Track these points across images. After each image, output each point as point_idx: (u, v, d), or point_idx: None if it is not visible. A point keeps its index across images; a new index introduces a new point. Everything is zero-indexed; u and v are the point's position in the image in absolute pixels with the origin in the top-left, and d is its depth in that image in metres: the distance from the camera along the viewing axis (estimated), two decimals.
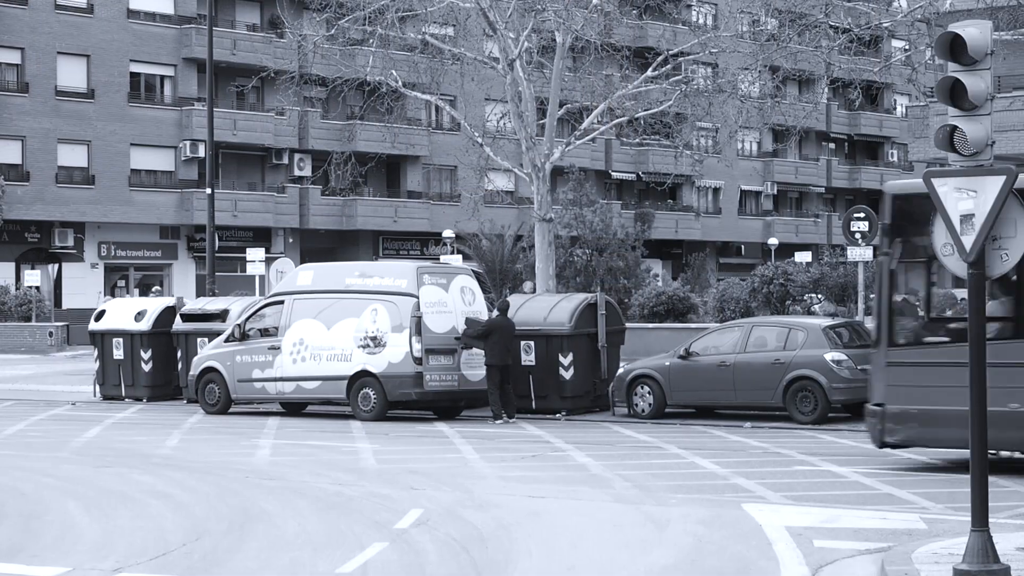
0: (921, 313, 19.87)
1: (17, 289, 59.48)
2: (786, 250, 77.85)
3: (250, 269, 46.05)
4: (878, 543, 13.89)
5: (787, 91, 50.94)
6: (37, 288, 59.28)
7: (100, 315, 34.50)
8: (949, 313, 20.74)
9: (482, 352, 28.32)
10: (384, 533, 14.73)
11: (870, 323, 23.02)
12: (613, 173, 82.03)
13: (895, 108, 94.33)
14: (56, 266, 63.32)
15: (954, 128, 12.10)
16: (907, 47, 41.48)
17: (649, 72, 37.21)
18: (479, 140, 37.34)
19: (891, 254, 19.33)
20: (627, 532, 14.84)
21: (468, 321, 28.52)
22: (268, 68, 46.13)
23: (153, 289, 60.63)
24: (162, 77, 66.90)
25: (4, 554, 13.73)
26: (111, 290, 63.79)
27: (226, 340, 30.26)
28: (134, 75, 65.52)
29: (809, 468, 20.21)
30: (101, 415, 29.79)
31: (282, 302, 29.71)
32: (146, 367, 33.31)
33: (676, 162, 55.18)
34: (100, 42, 63.94)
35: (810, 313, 38.18)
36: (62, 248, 63.35)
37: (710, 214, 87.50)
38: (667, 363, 28.18)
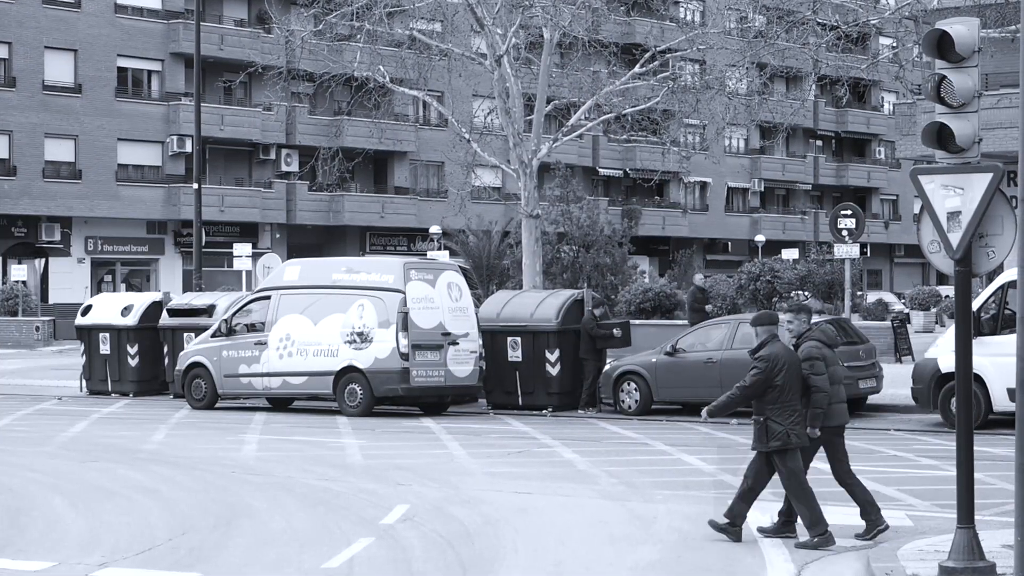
0: None
1: (4, 283, 59.44)
2: (773, 247, 77.96)
3: (237, 264, 46.01)
4: (864, 540, 13.90)
5: (774, 88, 50.97)
6: (24, 283, 59.21)
7: (87, 310, 34.45)
8: None
9: (468, 348, 28.47)
10: (370, 529, 14.72)
11: (856, 320, 23.02)
12: (600, 169, 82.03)
13: (882, 105, 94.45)
14: (43, 261, 63.16)
15: (941, 125, 12.10)
16: (895, 44, 41.49)
17: (637, 68, 37.22)
18: (466, 136, 37.32)
19: None
20: (613, 528, 14.84)
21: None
22: (256, 63, 46.00)
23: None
24: (149, 72, 66.79)
25: None
26: (98, 285, 63.73)
27: (213, 335, 30.19)
28: (121, 70, 65.43)
29: None
30: (87, 410, 29.74)
31: (269, 297, 29.65)
32: (133, 362, 33.25)
33: (663, 159, 55.39)
34: (87, 37, 63.82)
35: None
36: (49, 243, 63.21)
37: (697, 211, 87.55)
38: (653, 359, 28.17)
